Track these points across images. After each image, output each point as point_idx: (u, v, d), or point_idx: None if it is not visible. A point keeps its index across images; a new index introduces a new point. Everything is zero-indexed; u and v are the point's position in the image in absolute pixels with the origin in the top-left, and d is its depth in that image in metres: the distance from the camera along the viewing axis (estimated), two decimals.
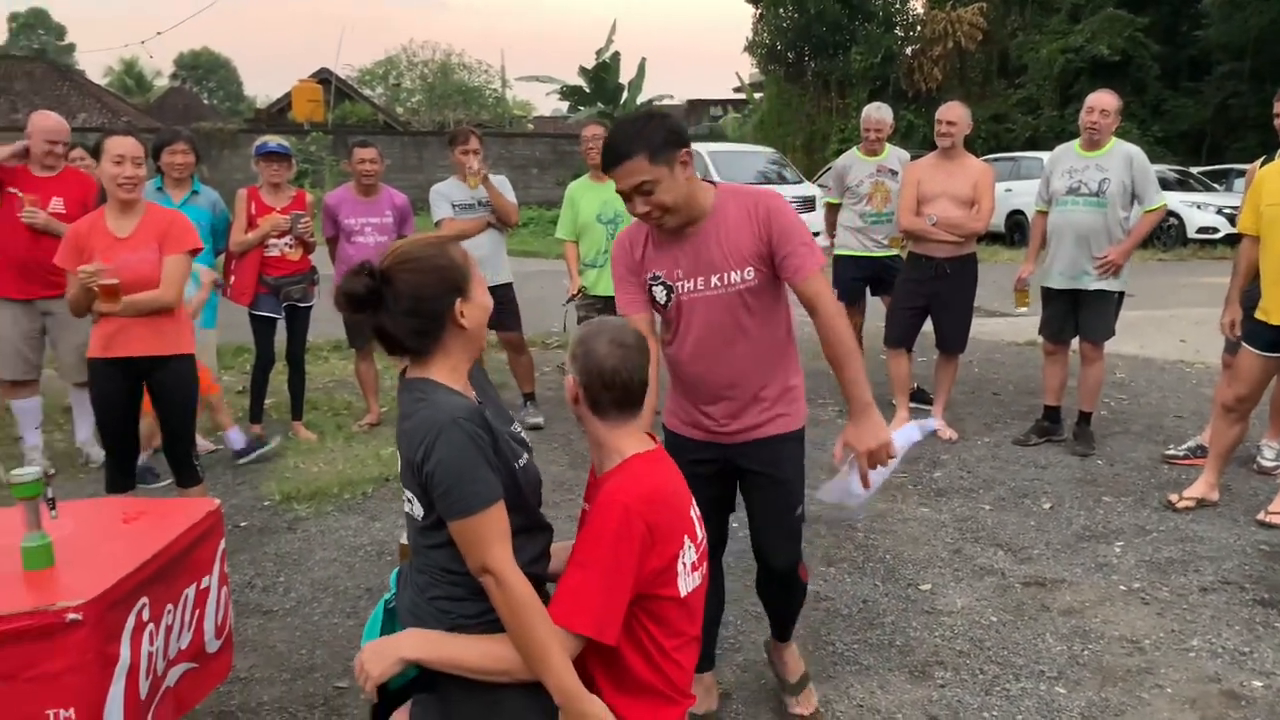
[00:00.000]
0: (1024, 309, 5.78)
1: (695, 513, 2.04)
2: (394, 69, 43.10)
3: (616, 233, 4.35)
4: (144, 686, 2.12)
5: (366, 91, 40.33)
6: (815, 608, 3.48)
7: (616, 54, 25.40)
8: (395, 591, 2.05)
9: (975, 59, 25.87)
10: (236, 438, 5.25)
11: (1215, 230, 15.74)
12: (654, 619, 1.90)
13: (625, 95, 25.71)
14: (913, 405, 5.77)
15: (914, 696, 2.93)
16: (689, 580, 1.95)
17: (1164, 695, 2.92)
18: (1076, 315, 5.24)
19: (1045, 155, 6.80)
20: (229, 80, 68.00)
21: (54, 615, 1.90)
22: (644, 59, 25.86)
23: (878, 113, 6.15)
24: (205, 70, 65.83)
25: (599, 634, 1.80)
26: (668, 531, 1.89)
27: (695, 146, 17.11)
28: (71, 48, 60.85)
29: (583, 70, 25.73)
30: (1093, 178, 5.07)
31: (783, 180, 16.22)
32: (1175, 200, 14.50)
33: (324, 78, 31.10)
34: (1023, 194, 15.23)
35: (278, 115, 32.89)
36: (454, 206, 5.60)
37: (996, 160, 16.07)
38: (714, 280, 2.42)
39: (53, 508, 2.23)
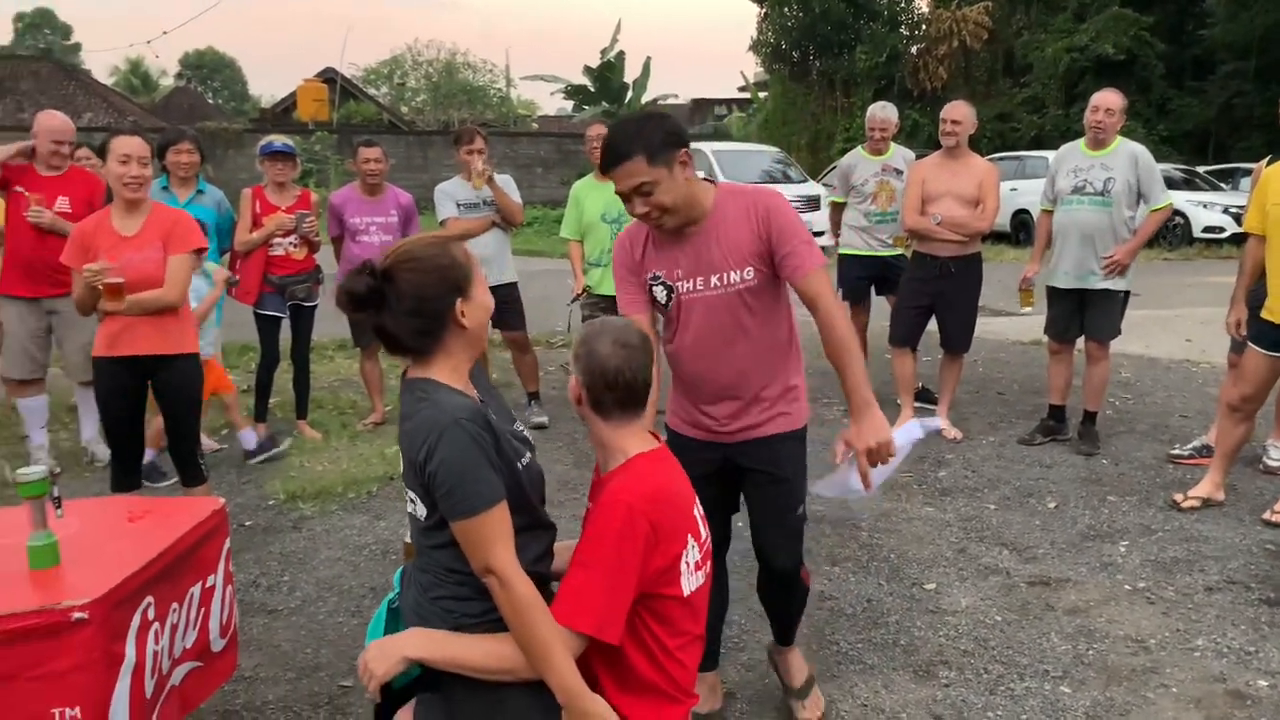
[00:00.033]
0: (1029, 309, 5.77)
1: (699, 512, 2.04)
2: (399, 68, 43.20)
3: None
4: (149, 685, 2.13)
5: (371, 91, 40.40)
6: (820, 607, 3.48)
7: (621, 53, 25.38)
8: (399, 591, 2.05)
9: (980, 58, 25.83)
10: (249, 437, 5.26)
11: (1221, 229, 15.69)
12: (657, 618, 1.90)
13: (630, 94, 25.70)
14: (918, 405, 5.77)
15: (918, 696, 2.93)
16: (692, 579, 1.95)
17: (1169, 695, 2.91)
18: (1082, 315, 5.23)
19: (1050, 154, 6.80)
20: (234, 80, 68.11)
21: (60, 614, 1.91)
22: (649, 58, 25.87)
23: (883, 112, 6.14)
24: (210, 70, 65.92)
25: (601, 633, 1.80)
26: (671, 530, 1.89)
27: (700, 145, 17.14)
28: (77, 47, 60.94)
29: (587, 69, 25.71)
30: (1098, 177, 5.06)
31: (787, 179, 16.22)
32: (1181, 199, 14.46)
33: (329, 77, 31.15)
34: (1028, 193, 15.21)
35: (282, 115, 32.91)
36: (459, 206, 5.61)
37: (1001, 159, 16.05)
38: (714, 280, 2.41)
39: (58, 506, 2.23)
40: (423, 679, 1.89)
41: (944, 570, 3.82)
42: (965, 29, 24.61)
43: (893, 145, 6.15)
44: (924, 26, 26.38)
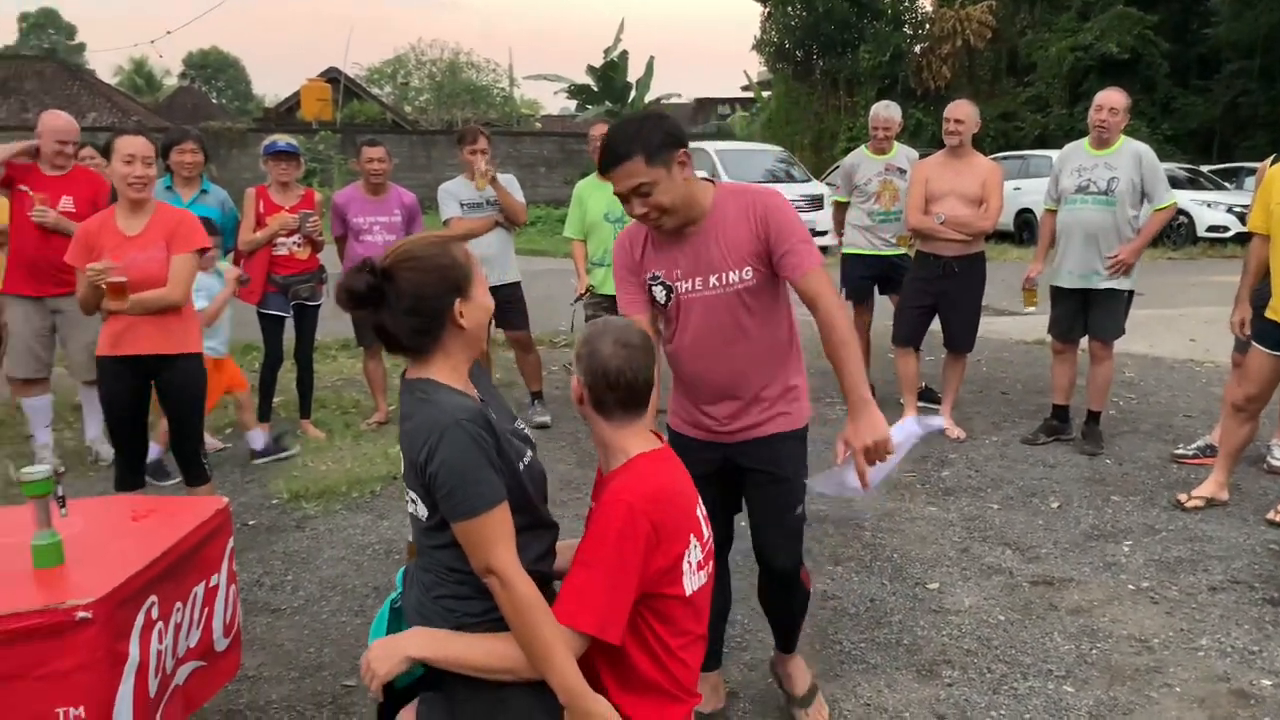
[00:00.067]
0: (1032, 308, 5.76)
1: (701, 511, 2.04)
2: (402, 68, 43.26)
3: None
4: (153, 684, 2.13)
5: (375, 90, 40.44)
6: (822, 606, 3.48)
7: (625, 53, 25.40)
8: (401, 590, 2.05)
9: (984, 57, 25.80)
10: (258, 438, 5.27)
11: (1225, 229, 15.67)
12: (659, 618, 1.90)
13: (633, 94, 25.72)
14: (921, 404, 5.77)
15: (921, 695, 2.93)
16: (695, 579, 1.95)
17: (1173, 694, 2.91)
18: (1086, 314, 5.23)
19: (1054, 154, 6.80)
20: (237, 79, 68.14)
21: (64, 613, 1.91)
22: (652, 57, 25.90)
23: (886, 111, 6.13)
24: (214, 70, 65.98)
25: (603, 633, 1.80)
26: (673, 530, 1.89)
27: (703, 145, 17.10)
28: (81, 47, 61.09)
29: (591, 69, 25.73)
30: (1102, 176, 5.05)
31: (791, 179, 16.21)
32: (1185, 198, 14.45)
33: (332, 77, 31.21)
34: (1031, 192, 15.21)
35: (286, 114, 32.96)
36: (462, 205, 5.61)
37: (1005, 159, 16.04)
38: (713, 280, 2.41)
39: (62, 506, 2.23)
40: (425, 678, 1.89)
41: (947, 570, 3.82)
42: (969, 28, 24.58)
43: (896, 144, 6.15)
44: (928, 25, 26.35)
